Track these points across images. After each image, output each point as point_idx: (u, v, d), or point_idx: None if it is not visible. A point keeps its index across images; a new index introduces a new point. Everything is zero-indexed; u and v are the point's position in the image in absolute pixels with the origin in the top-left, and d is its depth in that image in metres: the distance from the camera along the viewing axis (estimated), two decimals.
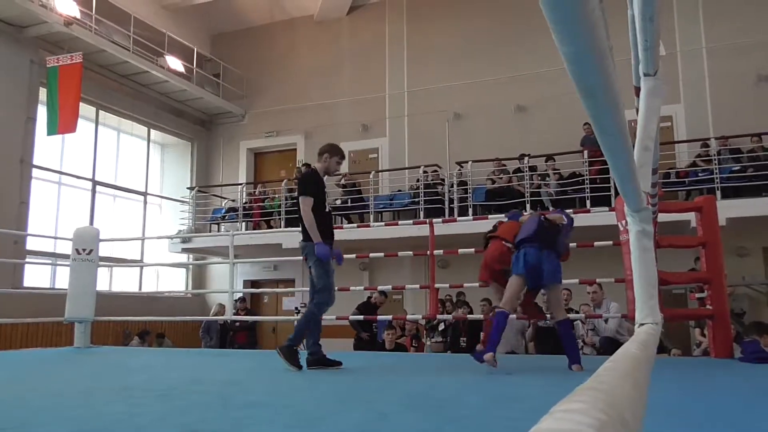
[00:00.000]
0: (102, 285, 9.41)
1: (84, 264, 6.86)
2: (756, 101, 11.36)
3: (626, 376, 0.56)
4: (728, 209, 9.04)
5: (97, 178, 13.39)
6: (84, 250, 6.87)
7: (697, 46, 12.05)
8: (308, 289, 4.83)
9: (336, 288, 4.87)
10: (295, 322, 4.70)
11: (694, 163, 10.72)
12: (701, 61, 12.02)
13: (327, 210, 4.81)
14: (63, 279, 9.80)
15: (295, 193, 12.90)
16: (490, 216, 8.39)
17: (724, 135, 10.80)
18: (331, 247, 4.70)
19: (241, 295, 12.22)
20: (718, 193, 9.72)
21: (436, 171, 12.52)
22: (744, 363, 4.84)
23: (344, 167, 14.33)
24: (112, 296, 10.89)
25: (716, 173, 10.02)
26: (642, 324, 1.82)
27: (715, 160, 10.21)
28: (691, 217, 7.64)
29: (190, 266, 15.21)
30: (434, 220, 6.81)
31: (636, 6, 1.86)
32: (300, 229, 4.75)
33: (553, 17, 0.69)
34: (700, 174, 10.32)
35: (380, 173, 13.54)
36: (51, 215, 12.46)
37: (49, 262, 12.11)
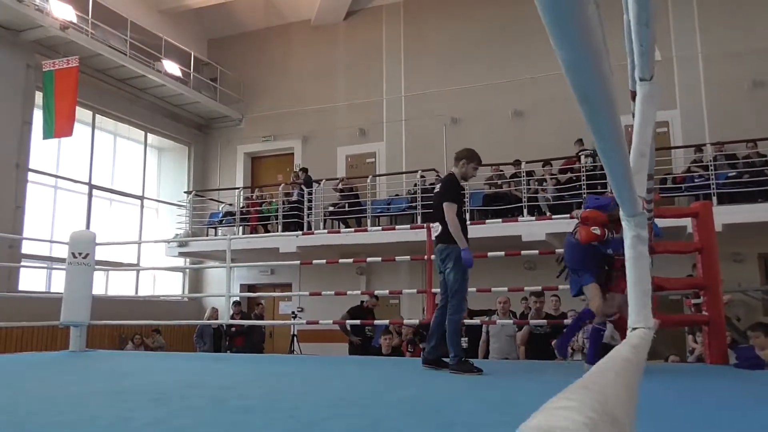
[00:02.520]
0: (98, 289, 9.39)
1: (80, 268, 6.84)
2: (751, 107, 11.40)
3: (617, 377, 0.56)
4: (724, 215, 9.04)
5: (93, 182, 13.36)
6: (80, 254, 6.84)
7: (692, 52, 12.10)
8: (442, 292, 4.95)
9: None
10: (447, 337, 4.77)
11: (689, 169, 10.76)
12: (697, 66, 12.06)
13: (464, 216, 4.98)
14: (59, 283, 9.77)
15: (293, 197, 13.04)
16: (487, 221, 8.40)
17: (720, 141, 10.83)
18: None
19: (236, 299, 12.19)
20: (714, 199, 9.74)
21: (437, 176, 12.52)
22: (739, 369, 4.84)
23: (341, 171, 14.40)
24: (108, 300, 10.86)
25: (712, 179, 10.04)
26: (634, 328, 1.83)
27: (711, 166, 10.23)
28: (687, 222, 7.65)
29: (187, 270, 15.19)
30: (432, 224, 6.79)
31: (632, 11, 1.87)
32: (438, 233, 4.87)
33: (551, 22, 0.70)
34: (696, 180, 10.35)
35: (377, 177, 13.54)
36: (47, 219, 12.43)
37: (45, 266, 12.07)
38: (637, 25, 1.84)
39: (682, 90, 12.06)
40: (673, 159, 11.33)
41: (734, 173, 10.25)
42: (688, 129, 11.89)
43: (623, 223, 1.95)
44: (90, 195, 13.26)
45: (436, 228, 4.87)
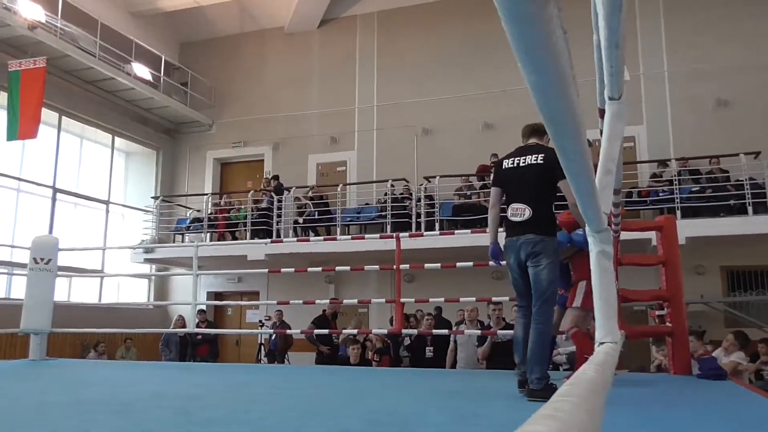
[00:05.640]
0: (60, 295, 9.17)
1: (42, 274, 6.67)
2: (715, 124, 11.72)
3: (582, 402, 0.57)
4: (687, 228, 9.27)
5: (57, 186, 13.09)
6: (42, 259, 6.69)
7: (659, 70, 12.40)
8: (522, 297, 3.89)
9: None
10: (530, 353, 3.62)
11: (650, 183, 11.01)
12: (663, 84, 12.37)
13: None
14: (19, 289, 9.53)
15: (263, 204, 12.92)
16: (456, 232, 8.45)
17: (684, 156, 11.10)
18: None
19: (202, 307, 12.03)
20: (678, 213, 9.97)
21: (407, 185, 12.57)
22: (702, 379, 4.93)
23: (312, 179, 14.35)
24: (71, 307, 10.61)
25: (676, 193, 10.29)
26: (601, 343, 1.86)
27: (675, 180, 10.48)
28: (652, 235, 7.81)
29: (153, 277, 14.94)
30: (401, 234, 6.82)
31: (602, 32, 1.91)
32: (524, 218, 3.71)
33: (519, 48, 0.71)
34: (660, 194, 10.59)
35: (348, 186, 13.53)
36: (8, 223, 12.13)
37: (5, 271, 11.76)
38: (608, 47, 1.87)
39: (648, 106, 12.35)
40: (639, 173, 11.57)
41: (697, 188, 10.52)
42: (653, 144, 12.17)
43: (588, 239, 1.98)
44: (54, 199, 12.98)
45: (521, 212, 3.73)
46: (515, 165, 3.89)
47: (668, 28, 12.53)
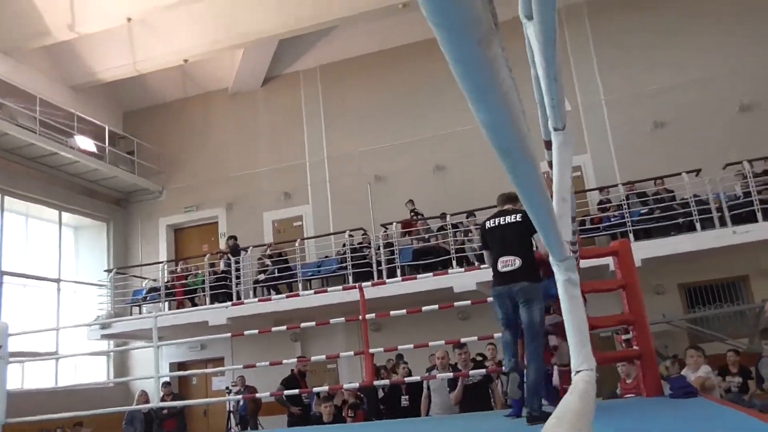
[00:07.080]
0: (14, 383, 8.73)
1: None
2: (655, 146, 12.17)
3: None
4: (642, 250, 9.46)
5: (3, 268, 12.60)
6: None
7: (596, 99, 12.88)
8: (513, 337, 4.43)
9: None
10: (526, 386, 4.18)
11: (604, 209, 11.27)
12: (602, 112, 12.83)
13: None
14: None
15: (220, 267, 12.67)
16: (418, 276, 8.44)
17: (630, 180, 11.42)
18: None
19: (166, 379, 11.58)
20: (631, 236, 10.18)
21: (365, 234, 12.53)
22: (674, 399, 4.96)
23: (268, 237, 14.19)
24: (26, 394, 10.09)
25: (627, 217, 10.54)
26: (578, 371, 1.84)
27: (624, 204, 10.76)
28: (609, 261, 7.93)
29: (111, 354, 14.37)
30: (363, 284, 6.75)
31: (539, 67, 1.96)
32: (516, 267, 4.29)
33: (468, 89, 0.71)
34: (612, 219, 10.84)
35: (306, 240, 13.43)
36: None
37: None
38: (547, 80, 1.92)
39: (590, 135, 12.75)
40: (590, 201, 11.83)
41: (646, 210, 10.80)
42: (599, 171, 12.52)
43: (554, 269, 1.98)
44: (0, 282, 12.47)
45: (511, 262, 4.31)
46: (497, 224, 4.56)
47: (599, 58, 13.07)
